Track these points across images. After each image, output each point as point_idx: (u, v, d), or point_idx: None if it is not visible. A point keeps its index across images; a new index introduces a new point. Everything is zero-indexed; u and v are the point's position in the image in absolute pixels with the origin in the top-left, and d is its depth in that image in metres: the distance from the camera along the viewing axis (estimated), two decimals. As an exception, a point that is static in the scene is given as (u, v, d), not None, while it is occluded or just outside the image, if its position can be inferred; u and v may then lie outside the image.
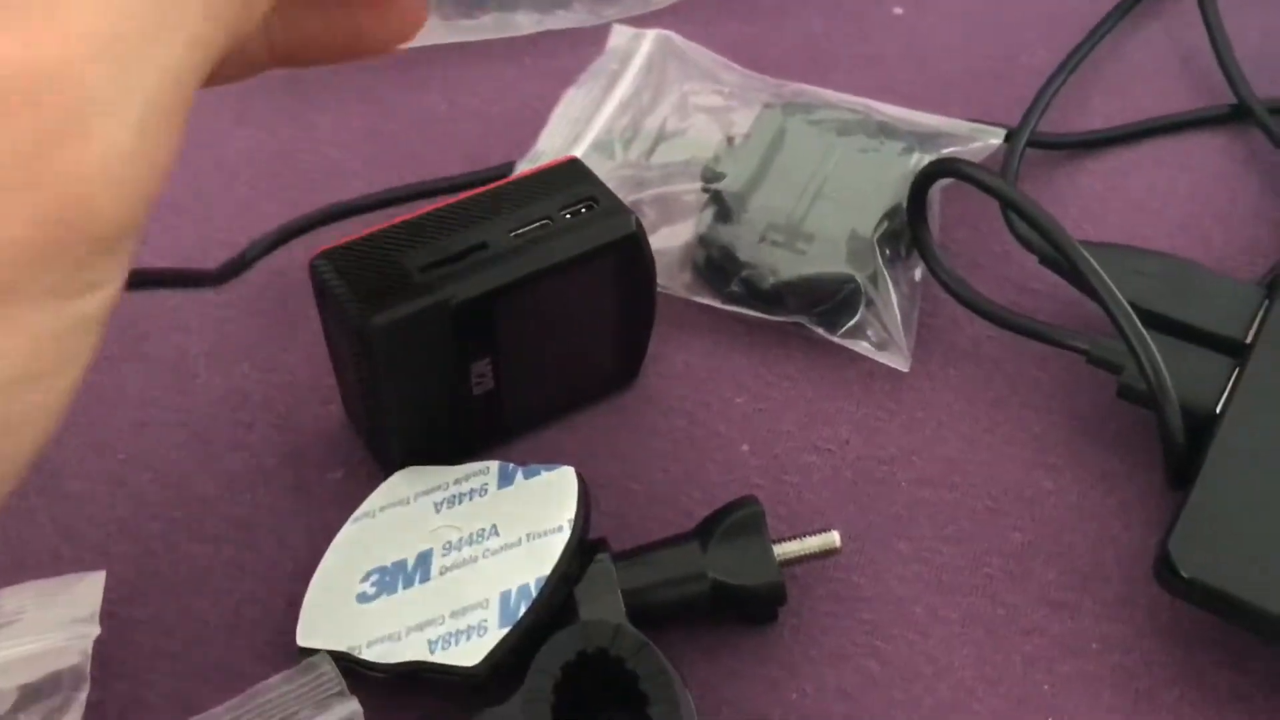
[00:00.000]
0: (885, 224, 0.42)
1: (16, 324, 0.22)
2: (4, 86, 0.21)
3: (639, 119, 0.47)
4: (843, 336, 0.42)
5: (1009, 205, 0.39)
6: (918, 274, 0.43)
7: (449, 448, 0.38)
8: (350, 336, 0.35)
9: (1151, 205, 0.46)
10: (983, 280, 0.44)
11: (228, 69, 0.28)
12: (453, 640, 0.33)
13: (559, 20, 0.52)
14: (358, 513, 0.37)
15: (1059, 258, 0.38)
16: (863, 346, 0.42)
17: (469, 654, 0.33)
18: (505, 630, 0.33)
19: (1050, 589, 0.37)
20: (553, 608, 0.33)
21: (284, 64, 0.32)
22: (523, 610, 0.33)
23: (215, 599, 0.37)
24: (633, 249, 0.38)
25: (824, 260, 0.41)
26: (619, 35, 0.49)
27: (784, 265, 0.41)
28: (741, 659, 0.36)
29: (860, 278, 0.41)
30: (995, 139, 0.45)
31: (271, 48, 0.31)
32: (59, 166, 0.21)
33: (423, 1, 0.33)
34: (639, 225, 0.37)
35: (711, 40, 0.50)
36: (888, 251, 0.42)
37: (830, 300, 0.41)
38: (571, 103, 0.48)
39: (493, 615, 0.33)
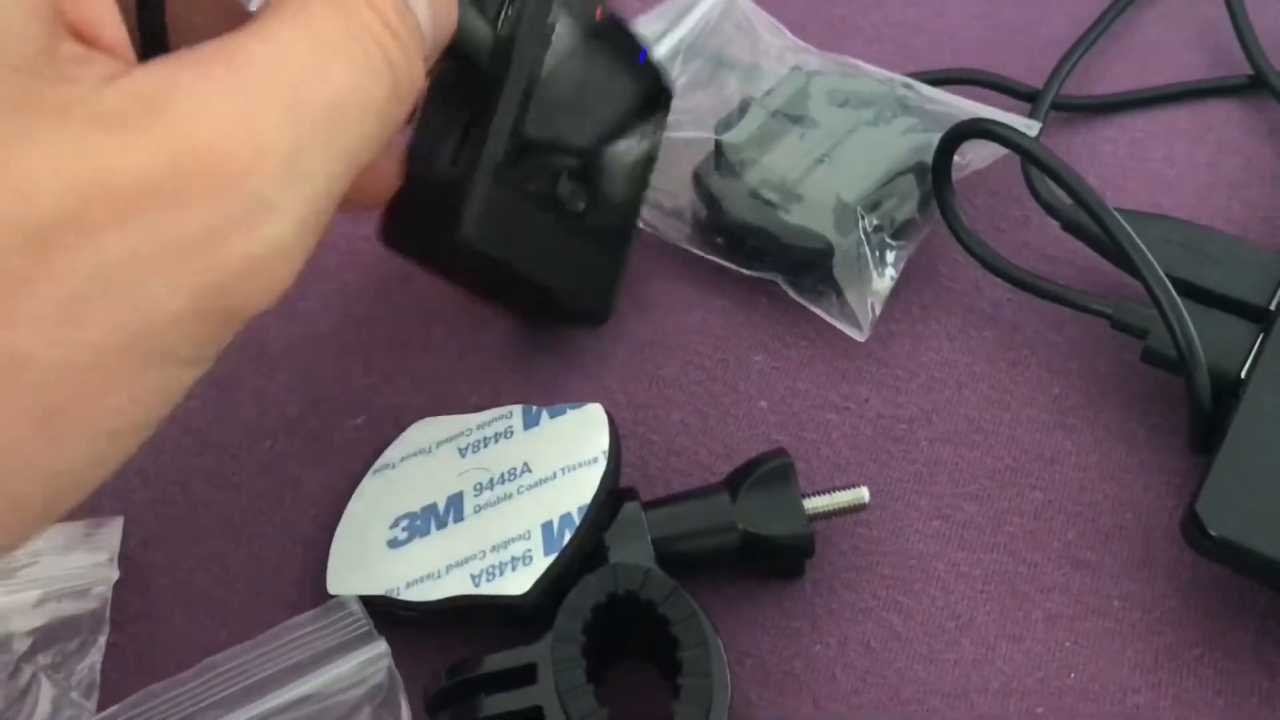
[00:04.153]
0: (876, 194, 0.42)
1: (150, 382, 0.24)
2: (197, 171, 0.23)
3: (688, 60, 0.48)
4: (810, 300, 0.42)
5: (1041, 166, 0.39)
6: (909, 248, 0.43)
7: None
8: (464, 258, 0.35)
9: (1170, 175, 0.46)
10: (1002, 245, 0.44)
11: None
12: (497, 572, 0.33)
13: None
14: (377, 464, 0.37)
15: (1087, 222, 0.38)
16: (822, 310, 0.42)
17: (515, 583, 0.33)
18: (551, 558, 0.33)
19: (1071, 547, 0.37)
20: (592, 541, 0.33)
21: None
22: (567, 538, 0.33)
23: (236, 545, 0.37)
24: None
25: (804, 221, 0.41)
26: None
27: (765, 222, 0.41)
28: (765, 611, 0.36)
29: (837, 244, 0.41)
30: (1031, 129, 0.44)
31: None
32: (230, 251, 0.23)
33: (395, 171, 0.35)
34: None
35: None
36: (874, 222, 0.42)
37: (805, 263, 0.41)
38: None
39: (536, 545, 0.33)
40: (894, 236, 0.42)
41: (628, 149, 0.40)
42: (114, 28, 0.25)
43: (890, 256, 0.42)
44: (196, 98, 0.23)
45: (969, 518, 0.38)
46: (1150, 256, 0.36)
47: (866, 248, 0.41)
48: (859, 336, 0.41)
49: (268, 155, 0.24)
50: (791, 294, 0.42)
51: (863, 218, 0.41)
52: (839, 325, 0.42)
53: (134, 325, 0.23)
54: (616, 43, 0.39)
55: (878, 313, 0.41)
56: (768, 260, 0.42)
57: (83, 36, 0.24)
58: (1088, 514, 0.38)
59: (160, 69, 0.24)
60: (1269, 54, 0.48)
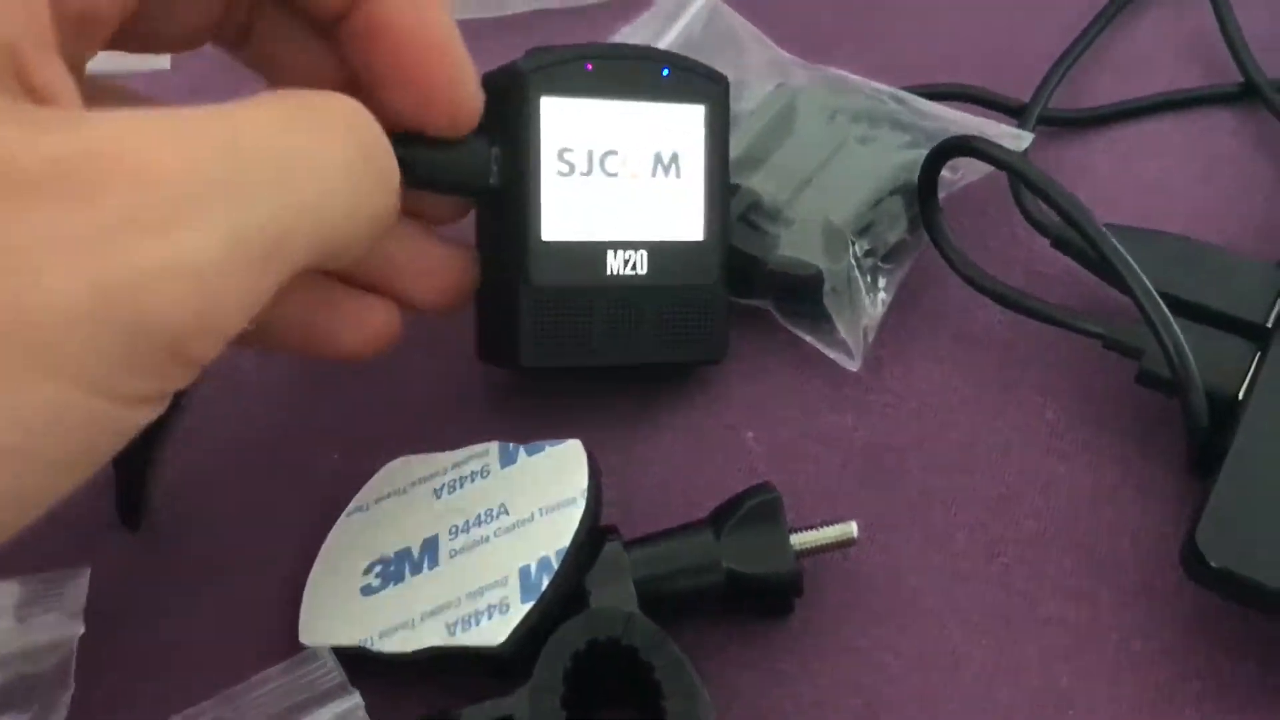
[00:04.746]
0: (865, 216, 0.41)
1: (43, 398, 0.21)
2: (114, 169, 0.22)
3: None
4: (802, 328, 0.41)
5: (1029, 184, 0.38)
6: (901, 271, 0.42)
7: None
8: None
9: (1163, 188, 0.45)
10: (991, 263, 0.43)
11: None
12: (473, 621, 0.32)
13: (552, -1, 0.51)
14: (350, 506, 0.36)
15: (1076, 239, 0.37)
16: (814, 338, 0.41)
17: (493, 633, 0.31)
18: (529, 605, 0.32)
19: (1067, 577, 0.36)
20: (571, 585, 0.32)
21: (258, 342, 0.33)
22: (545, 583, 0.32)
23: (207, 593, 0.36)
24: None
25: (793, 247, 0.40)
26: None
27: (754, 248, 0.40)
28: (753, 651, 0.35)
29: (828, 270, 0.40)
30: (1022, 143, 0.43)
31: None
32: (138, 251, 0.22)
33: (395, 331, 0.35)
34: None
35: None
36: (865, 245, 0.41)
37: (794, 289, 0.40)
38: None
39: (513, 591, 0.32)
40: (885, 259, 0.41)
41: None
42: (69, 95, 0.25)
43: (882, 281, 0.41)
44: (129, 118, 0.23)
45: (962, 549, 0.37)
46: (1142, 275, 0.35)
47: (857, 273, 0.40)
48: (852, 366, 0.40)
49: (196, 170, 0.23)
50: (782, 321, 0.41)
51: (853, 243, 0.40)
52: (831, 354, 0.41)
53: (21, 316, 0.21)
54: None
55: (870, 340, 0.40)
56: (757, 287, 0.41)
57: (37, 99, 0.24)
58: (1084, 542, 0.37)
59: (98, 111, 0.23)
60: (1260, 60, 0.47)
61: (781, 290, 0.41)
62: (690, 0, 0.47)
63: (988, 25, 0.50)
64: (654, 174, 0.37)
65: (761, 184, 0.42)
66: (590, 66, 0.36)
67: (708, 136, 0.38)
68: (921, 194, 0.40)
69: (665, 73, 0.37)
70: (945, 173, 0.40)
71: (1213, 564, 0.32)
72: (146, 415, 0.24)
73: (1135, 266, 0.35)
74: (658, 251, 0.38)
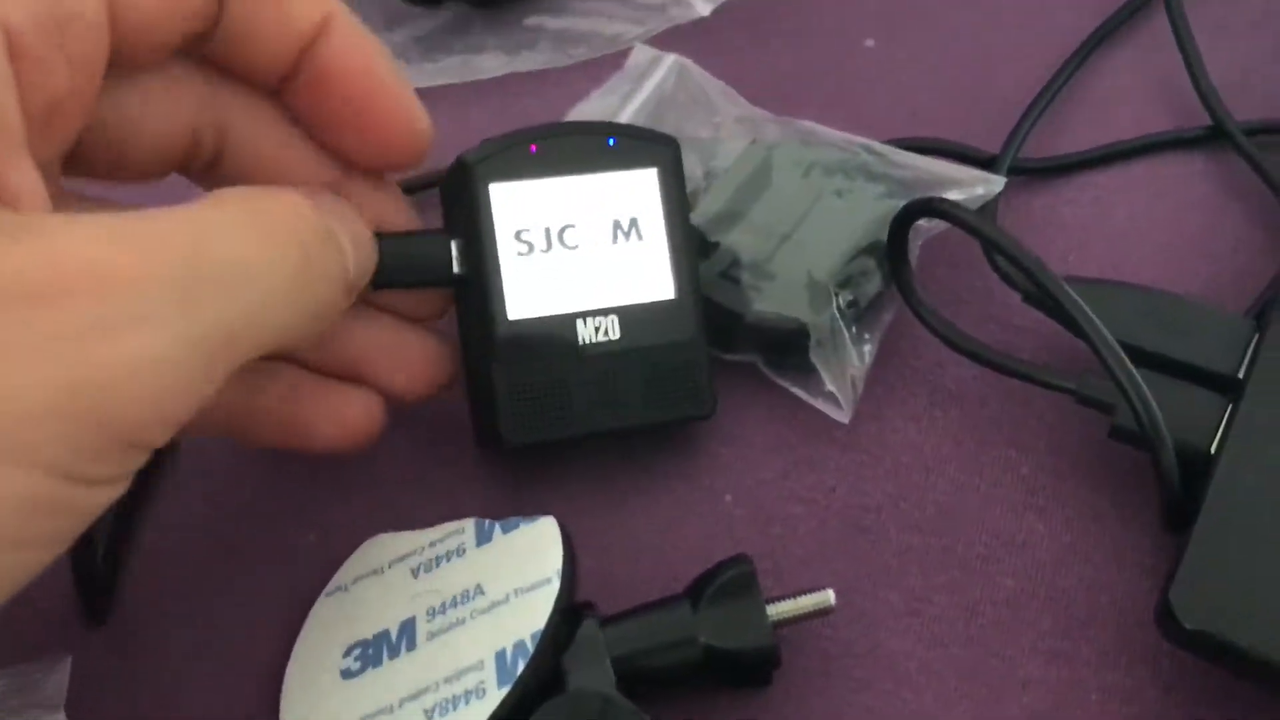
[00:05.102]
0: (846, 268, 0.41)
1: (18, 487, 0.23)
2: (77, 277, 0.24)
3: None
4: (789, 381, 0.41)
5: (991, 246, 0.38)
6: (884, 321, 0.42)
7: None
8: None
9: (1134, 234, 0.45)
10: (965, 317, 0.43)
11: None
12: (450, 706, 0.32)
13: (525, 61, 0.51)
14: (330, 586, 0.36)
15: (1044, 296, 0.37)
16: (804, 393, 0.41)
17: (471, 718, 0.31)
18: (505, 690, 0.32)
19: (1046, 637, 0.36)
20: (548, 667, 0.32)
21: (232, 432, 0.35)
22: (521, 667, 0.32)
23: (188, 681, 0.36)
24: None
25: (777, 302, 0.40)
26: (639, 55, 0.48)
27: (737, 304, 0.40)
28: (733, 722, 0.35)
29: (812, 324, 0.40)
30: (994, 187, 0.43)
31: (228, 408, 0.35)
32: (102, 352, 0.24)
33: (376, 421, 0.36)
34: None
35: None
36: (848, 297, 0.41)
37: (781, 344, 0.41)
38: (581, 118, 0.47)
39: (490, 676, 0.32)
40: (868, 309, 0.41)
41: None
42: (37, 197, 0.26)
43: (867, 334, 0.41)
44: (92, 226, 0.25)
45: (940, 611, 0.37)
46: (1106, 333, 0.35)
47: (841, 324, 0.40)
48: (843, 418, 0.40)
49: (153, 274, 0.24)
50: (770, 376, 0.41)
51: (836, 295, 0.40)
52: (821, 407, 0.41)
53: None
54: None
55: (860, 391, 0.41)
56: (742, 342, 0.41)
57: (4, 200, 0.26)
58: (1061, 600, 0.37)
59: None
60: (1227, 102, 0.47)
61: (767, 344, 0.41)
62: (659, 61, 0.48)
63: (954, 77, 0.51)
64: (615, 241, 0.38)
65: (741, 240, 0.42)
66: (535, 148, 0.37)
67: (664, 197, 0.39)
68: (891, 256, 0.40)
69: (611, 143, 0.38)
70: (921, 220, 0.40)
71: (1187, 626, 0.32)
72: (109, 495, 0.25)
73: (1098, 322, 0.35)
74: (629, 314, 0.38)
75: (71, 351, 0.23)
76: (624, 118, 0.46)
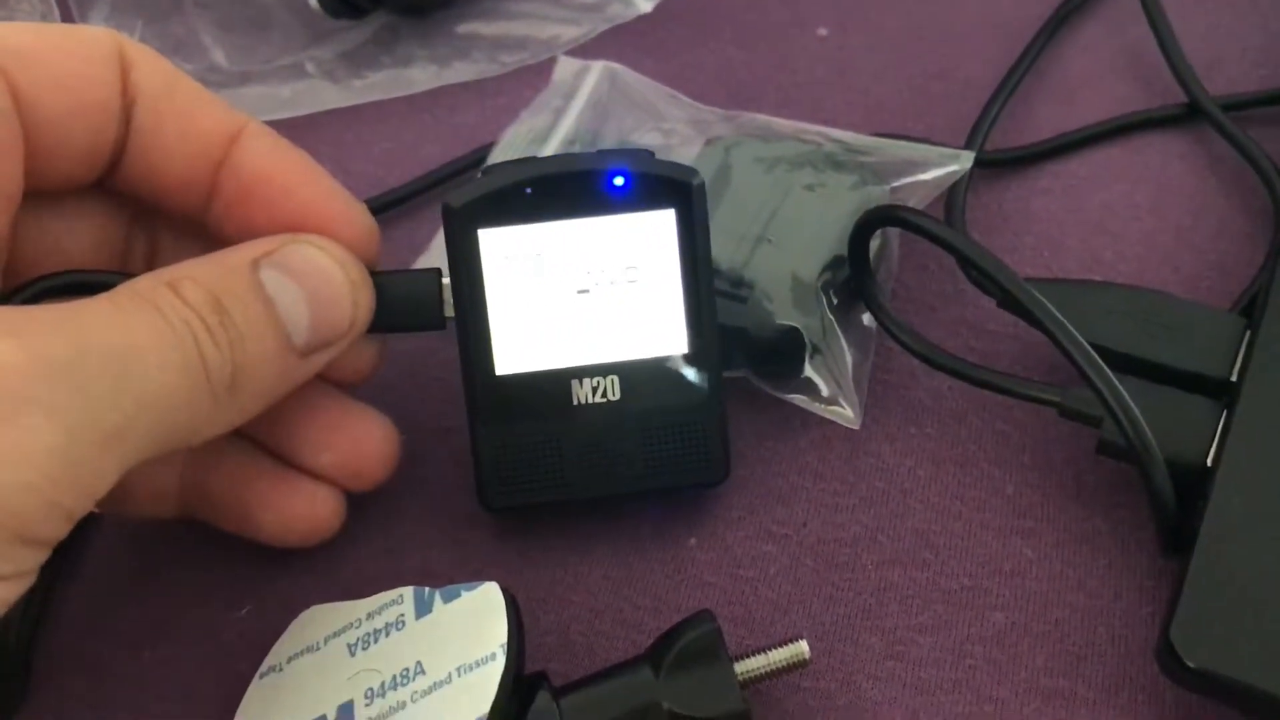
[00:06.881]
0: (831, 268, 0.38)
1: None
2: None
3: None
4: (788, 392, 0.38)
5: (955, 254, 0.35)
6: (869, 319, 0.39)
7: None
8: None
9: (1112, 223, 0.42)
10: (938, 324, 0.40)
11: (143, 497, 0.34)
12: None
13: (457, 73, 0.48)
14: (264, 666, 0.33)
15: (1015, 305, 0.35)
16: (808, 402, 0.38)
17: None
18: None
19: (1040, 675, 0.33)
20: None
21: (191, 515, 0.35)
22: None
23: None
24: None
25: (763, 309, 0.37)
26: (564, 68, 0.45)
27: (723, 315, 0.37)
28: (706, 791, 0.32)
29: (804, 327, 0.37)
30: (964, 163, 0.41)
31: (182, 494, 0.34)
32: None
33: (322, 519, 0.35)
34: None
35: (623, 81, 0.46)
36: (836, 298, 0.38)
37: (773, 352, 0.38)
38: (510, 145, 0.43)
39: None
40: (858, 303, 0.39)
41: None
42: None
43: (857, 327, 0.39)
44: None
45: (925, 654, 0.34)
46: (1084, 343, 0.33)
47: (835, 324, 0.37)
48: (853, 424, 0.38)
49: (40, 360, 0.24)
50: (766, 389, 0.38)
51: (822, 294, 0.38)
52: (829, 415, 0.38)
53: None
54: None
55: (865, 391, 0.38)
56: (732, 356, 0.38)
57: None
58: (1055, 633, 0.34)
59: None
60: (1203, 77, 0.45)
61: (757, 355, 0.38)
62: (585, 71, 0.45)
63: (914, 64, 0.48)
64: (619, 290, 0.35)
65: (713, 249, 0.39)
66: (530, 190, 0.34)
67: (681, 241, 0.35)
68: (853, 267, 0.37)
69: (621, 180, 0.34)
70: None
71: (1191, 664, 0.29)
72: (12, 592, 0.25)
73: (1073, 331, 0.33)
74: (632, 371, 0.35)
75: None
76: (559, 136, 0.43)
